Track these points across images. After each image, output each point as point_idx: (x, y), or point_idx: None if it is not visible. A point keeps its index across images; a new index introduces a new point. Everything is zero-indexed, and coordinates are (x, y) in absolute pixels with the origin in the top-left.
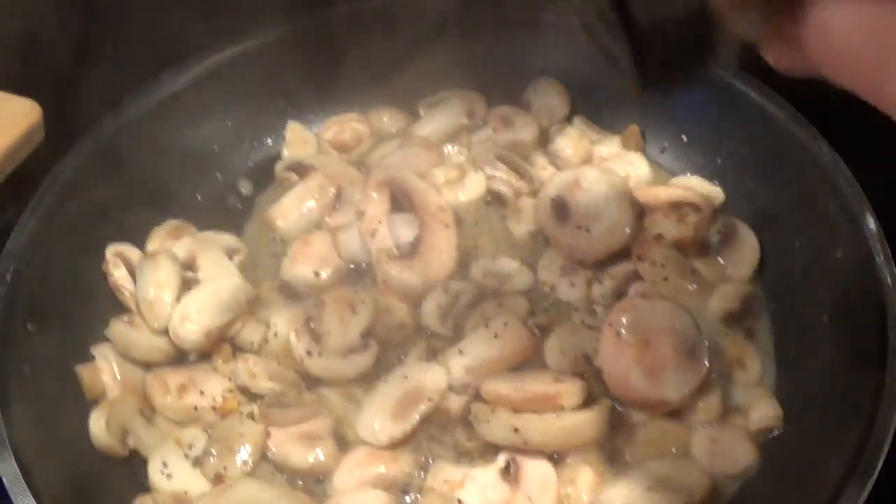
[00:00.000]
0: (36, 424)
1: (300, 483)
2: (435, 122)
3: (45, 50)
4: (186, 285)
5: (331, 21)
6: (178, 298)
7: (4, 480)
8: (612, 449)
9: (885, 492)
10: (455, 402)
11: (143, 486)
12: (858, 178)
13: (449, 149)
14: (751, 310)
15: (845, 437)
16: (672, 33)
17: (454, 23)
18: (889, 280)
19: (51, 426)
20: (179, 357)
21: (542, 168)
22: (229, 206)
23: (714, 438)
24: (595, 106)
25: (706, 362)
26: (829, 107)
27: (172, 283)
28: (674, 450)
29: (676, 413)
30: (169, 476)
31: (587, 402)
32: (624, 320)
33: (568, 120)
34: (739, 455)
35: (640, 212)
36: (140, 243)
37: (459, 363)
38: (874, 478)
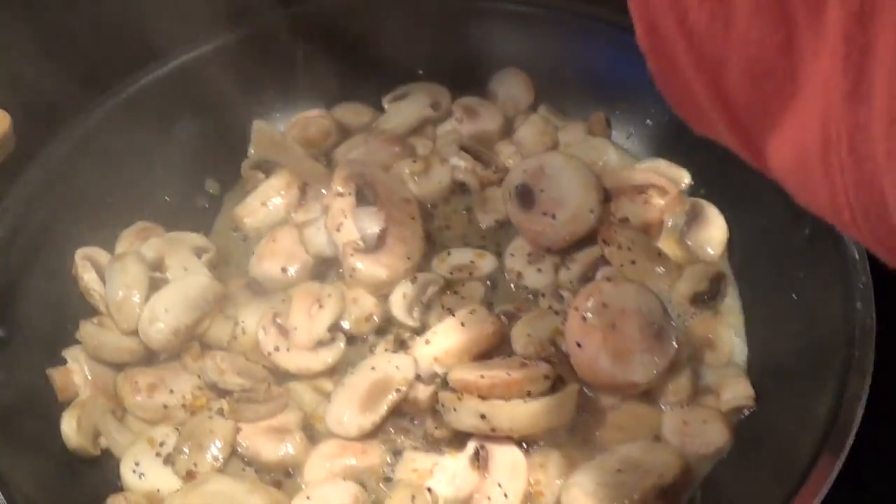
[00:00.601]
0: (8, 428)
1: (271, 477)
2: (400, 115)
3: (11, 58)
4: (155, 285)
5: (293, 18)
6: (147, 299)
7: None
8: (583, 433)
9: (858, 467)
10: (423, 392)
11: (116, 486)
12: None
13: (413, 141)
14: (719, 290)
15: (816, 413)
16: None
17: (417, 15)
18: (855, 254)
19: (23, 429)
20: (150, 357)
21: (507, 157)
22: (197, 207)
23: (685, 419)
24: (560, 94)
25: (674, 343)
26: None
27: (140, 283)
28: (645, 432)
29: (647, 395)
30: (141, 475)
31: (555, 386)
32: (590, 304)
33: (533, 109)
34: (711, 435)
35: (606, 196)
36: (109, 246)
37: (426, 352)
38: (846, 452)
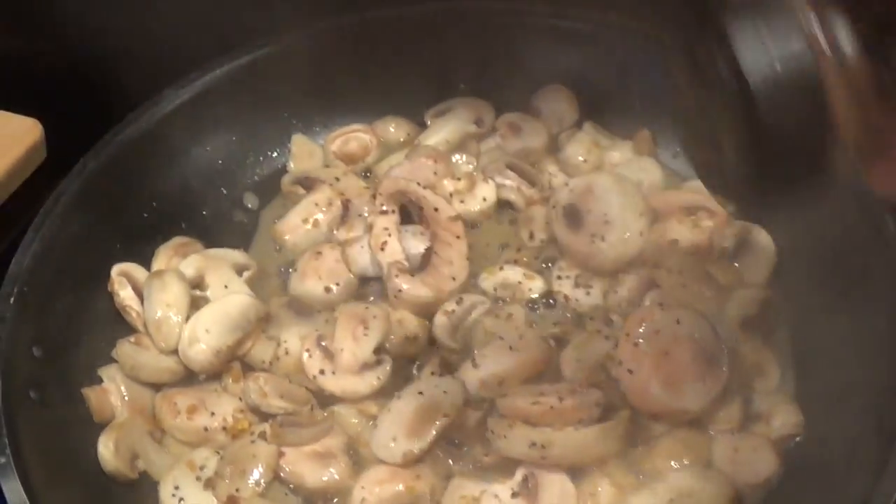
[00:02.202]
0: (43, 449)
1: None
2: (442, 131)
3: (45, 68)
4: (195, 304)
5: (334, 32)
6: (187, 318)
7: None
8: (633, 460)
9: None
10: (471, 417)
11: None
12: None
13: (457, 158)
14: (768, 314)
15: (869, 441)
16: (791, 122)
17: (460, 29)
18: None
19: (58, 451)
20: (189, 377)
21: (552, 175)
22: (235, 222)
23: (735, 447)
24: (605, 111)
25: (726, 369)
26: None
27: (181, 302)
28: (696, 460)
29: (696, 422)
30: (181, 500)
31: (605, 413)
32: (641, 329)
33: (578, 126)
34: (761, 463)
35: (654, 218)
36: (146, 262)
37: (474, 376)
38: None
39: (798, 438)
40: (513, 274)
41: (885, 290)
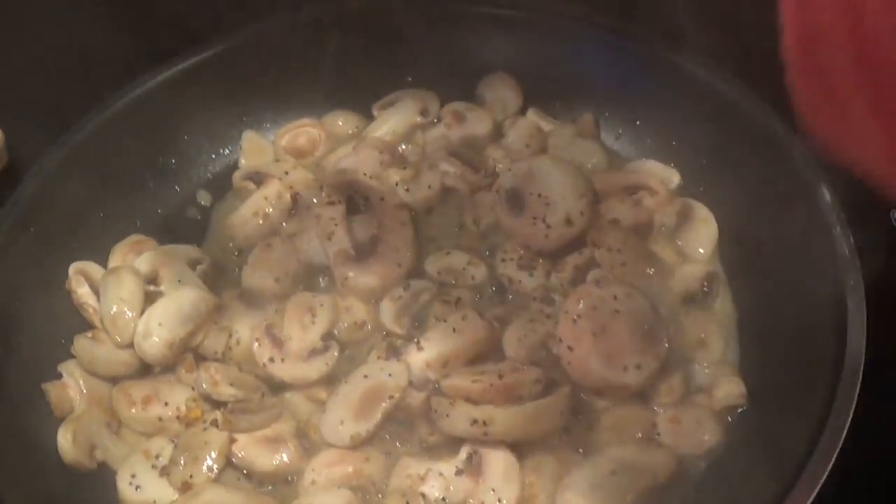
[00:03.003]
0: (4, 443)
1: (269, 488)
2: (389, 122)
3: (3, 72)
4: (150, 298)
5: (281, 27)
6: (141, 312)
7: None
8: (576, 436)
9: (851, 464)
10: (416, 398)
11: (114, 499)
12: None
13: (403, 147)
14: (711, 289)
15: (809, 410)
16: None
17: (403, 22)
18: (846, 251)
19: (19, 444)
20: (144, 369)
21: (497, 162)
22: (189, 218)
23: (678, 419)
24: (548, 97)
25: (666, 344)
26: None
27: (135, 297)
28: (639, 433)
29: (639, 396)
30: (138, 487)
31: (547, 390)
32: (580, 307)
33: (522, 112)
34: (704, 434)
35: (596, 198)
36: (103, 260)
37: (419, 358)
38: (838, 450)
39: (741, 409)
40: (458, 260)
41: (825, 258)
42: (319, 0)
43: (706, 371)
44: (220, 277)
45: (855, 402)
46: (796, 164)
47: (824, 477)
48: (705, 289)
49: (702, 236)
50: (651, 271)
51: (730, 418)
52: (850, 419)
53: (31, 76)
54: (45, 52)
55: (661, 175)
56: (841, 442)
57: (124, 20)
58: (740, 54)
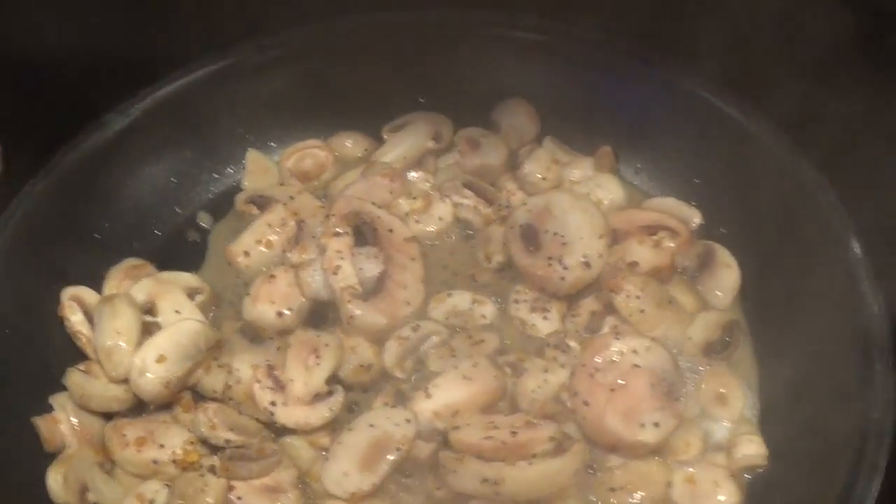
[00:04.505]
0: None
1: None
2: (399, 147)
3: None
4: (147, 330)
5: (290, 43)
6: (138, 345)
7: None
8: (590, 490)
9: None
10: (423, 449)
11: None
12: (844, 200)
13: (414, 175)
14: (732, 338)
15: (833, 474)
16: None
17: (418, 43)
18: (875, 308)
19: (7, 481)
20: (140, 406)
21: (511, 193)
22: (189, 241)
23: (694, 479)
24: (566, 126)
25: (684, 400)
26: (816, 125)
27: (131, 329)
28: (654, 491)
29: (655, 452)
30: None
31: (560, 445)
32: (597, 360)
33: (538, 141)
34: (722, 495)
35: (614, 238)
36: (98, 283)
37: (427, 407)
38: None
39: (761, 469)
40: (461, 300)
41: (852, 310)
42: (329, 15)
43: (725, 427)
44: (220, 307)
45: (884, 469)
46: (824, 212)
47: None
48: (726, 338)
49: (723, 282)
50: (670, 318)
51: (748, 476)
52: (876, 489)
53: (27, 92)
54: (41, 66)
55: (682, 214)
56: None
57: (121, 35)
58: (768, 87)
